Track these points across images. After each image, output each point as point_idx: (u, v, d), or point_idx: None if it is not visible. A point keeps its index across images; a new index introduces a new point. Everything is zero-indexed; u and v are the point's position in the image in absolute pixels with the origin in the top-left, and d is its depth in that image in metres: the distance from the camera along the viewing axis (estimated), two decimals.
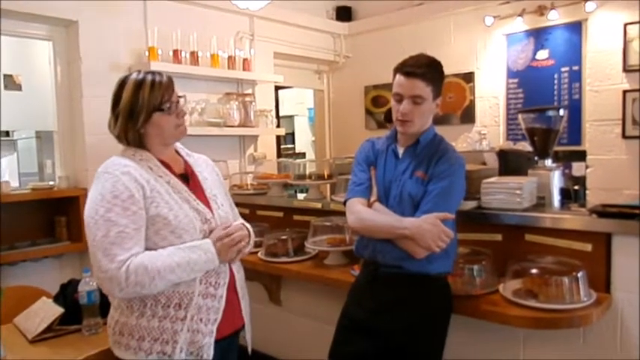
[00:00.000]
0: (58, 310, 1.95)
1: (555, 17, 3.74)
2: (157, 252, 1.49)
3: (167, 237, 1.52)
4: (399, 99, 1.84)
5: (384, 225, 1.81)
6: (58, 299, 2.07)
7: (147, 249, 1.50)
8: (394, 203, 1.85)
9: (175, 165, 1.68)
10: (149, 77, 1.58)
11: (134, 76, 1.60)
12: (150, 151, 1.62)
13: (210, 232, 1.60)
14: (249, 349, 1.81)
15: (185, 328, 1.52)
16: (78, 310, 1.94)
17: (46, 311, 1.98)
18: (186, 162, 1.74)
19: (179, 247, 1.51)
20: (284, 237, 2.81)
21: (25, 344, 1.89)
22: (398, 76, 1.84)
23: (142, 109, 1.56)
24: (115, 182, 1.49)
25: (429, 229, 1.72)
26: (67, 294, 2.06)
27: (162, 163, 1.63)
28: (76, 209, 3.12)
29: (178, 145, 1.76)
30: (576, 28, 3.74)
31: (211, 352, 1.55)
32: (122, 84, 1.60)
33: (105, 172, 1.53)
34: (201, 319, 1.54)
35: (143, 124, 1.57)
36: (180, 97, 1.65)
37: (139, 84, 1.57)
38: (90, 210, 1.48)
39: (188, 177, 1.69)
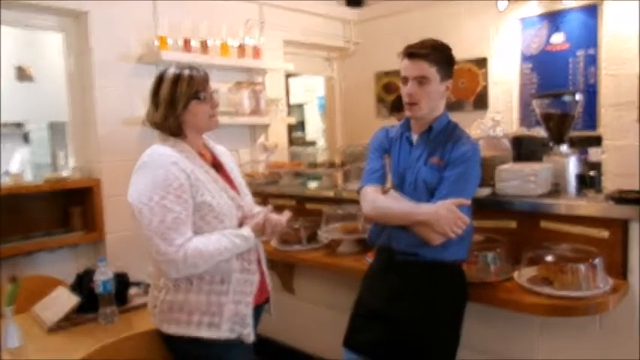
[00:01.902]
0: (75, 299, 1.98)
1: (570, 0, 3.67)
2: (206, 237, 1.62)
3: (211, 222, 1.65)
4: (406, 81, 1.84)
5: (399, 211, 1.80)
6: (74, 288, 2.09)
7: (193, 232, 1.62)
8: (409, 190, 1.84)
9: (206, 156, 1.80)
10: (186, 71, 1.70)
11: (172, 70, 1.71)
12: (186, 141, 1.72)
13: (243, 217, 1.75)
14: (273, 317, 1.93)
15: (230, 300, 1.66)
16: (94, 300, 1.97)
17: (62, 300, 2.00)
18: (212, 153, 1.85)
19: (223, 234, 1.65)
20: (296, 226, 2.81)
21: (42, 333, 1.92)
22: (403, 60, 1.85)
23: (180, 98, 1.67)
24: (166, 172, 1.59)
25: (446, 215, 1.72)
26: (83, 283, 2.09)
27: (198, 153, 1.74)
28: (90, 199, 3.15)
29: (205, 137, 1.86)
30: (592, 11, 3.67)
31: (252, 320, 1.72)
32: (161, 77, 1.71)
33: (153, 161, 1.63)
34: (241, 292, 1.70)
35: (182, 112, 1.68)
36: (213, 91, 1.76)
37: (178, 76, 1.68)
38: (143, 197, 1.58)
39: (217, 167, 1.80)
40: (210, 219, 1.65)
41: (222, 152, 1.91)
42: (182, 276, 1.61)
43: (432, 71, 1.80)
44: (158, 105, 1.70)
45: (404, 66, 1.84)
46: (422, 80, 1.80)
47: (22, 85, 3.38)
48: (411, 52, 1.82)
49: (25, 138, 4.78)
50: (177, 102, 1.67)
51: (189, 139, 1.74)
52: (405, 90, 1.85)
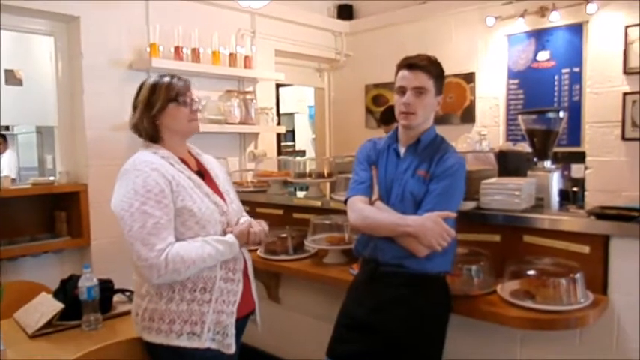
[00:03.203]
0: (58, 306, 1.96)
1: (556, 18, 3.75)
2: (188, 243, 1.63)
3: (192, 227, 1.66)
4: (403, 91, 1.87)
5: (386, 223, 1.82)
6: (58, 294, 2.08)
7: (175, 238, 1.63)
8: (396, 202, 1.87)
9: (190, 163, 1.81)
10: (167, 78, 1.74)
11: (153, 78, 1.76)
12: (166, 146, 1.74)
13: (227, 223, 1.76)
14: (259, 327, 1.93)
15: (211, 310, 1.66)
16: (78, 306, 1.95)
17: (46, 306, 1.99)
18: (198, 161, 1.87)
19: (206, 240, 1.65)
20: (283, 235, 2.81)
21: (25, 339, 1.89)
22: (401, 71, 1.89)
23: (157, 99, 1.70)
24: (146, 178, 1.61)
25: (432, 228, 1.74)
26: (67, 289, 2.07)
27: (181, 160, 1.75)
28: (77, 205, 3.13)
29: (190, 146, 1.88)
30: (577, 29, 3.75)
31: (233, 331, 1.70)
32: (142, 84, 1.76)
33: (134, 169, 1.64)
34: (223, 301, 1.69)
35: (158, 114, 1.71)
36: (195, 99, 1.78)
37: (157, 82, 1.73)
38: (123, 204, 1.60)
39: (203, 174, 1.82)
40: (192, 224, 1.66)
41: (210, 161, 1.92)
42: (164, 282, 1.61)
43: (429, 83, 1.85)
44: (136, 108, 1.75)
45: (402, 76, 1.88)
46: (421, 91, 1.84)
47: (10, 88, 3.36)
48: (411, 64, 1.86)
49: (13, 141, 4.74)
50: (153, 104, 1.71)
51: (170, 144, 1.76)
52: (401, 100, 1.87)
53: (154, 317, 1.65)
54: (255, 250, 2.84)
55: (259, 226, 1.82)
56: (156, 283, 1.62)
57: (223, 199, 1.80)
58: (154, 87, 1.72)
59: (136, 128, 1.75)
